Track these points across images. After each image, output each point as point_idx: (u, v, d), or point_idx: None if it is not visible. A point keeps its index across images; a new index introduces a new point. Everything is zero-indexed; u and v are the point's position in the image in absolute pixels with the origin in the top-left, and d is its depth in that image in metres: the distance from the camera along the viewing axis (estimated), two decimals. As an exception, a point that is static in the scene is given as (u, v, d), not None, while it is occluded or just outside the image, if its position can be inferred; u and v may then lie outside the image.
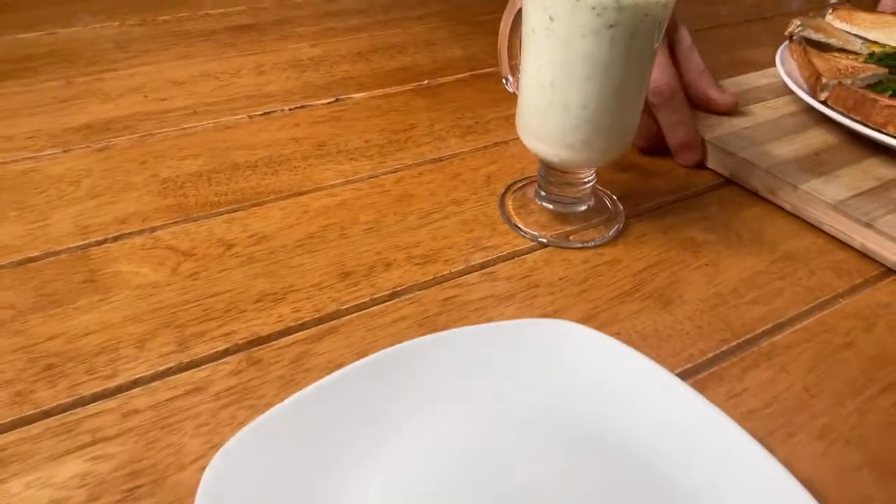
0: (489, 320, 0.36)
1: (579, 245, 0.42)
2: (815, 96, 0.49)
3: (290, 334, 0.35)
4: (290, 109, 0.55)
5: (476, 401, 0.30)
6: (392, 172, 0.48)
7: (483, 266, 0.40)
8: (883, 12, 0.59)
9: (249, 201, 0.44)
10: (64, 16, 0.69)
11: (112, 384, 0.32)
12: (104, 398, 0.31)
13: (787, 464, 0.29)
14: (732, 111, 0.51)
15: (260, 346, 0.34)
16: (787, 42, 0.56)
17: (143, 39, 0.65)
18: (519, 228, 0.43)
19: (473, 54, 0.65)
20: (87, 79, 0.58)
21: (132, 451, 0.29)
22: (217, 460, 0.26)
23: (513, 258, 0.41)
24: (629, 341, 0.35)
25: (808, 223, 0.44)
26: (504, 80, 0.44)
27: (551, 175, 0.43)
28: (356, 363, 0.30)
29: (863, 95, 0.45)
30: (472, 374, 0.31)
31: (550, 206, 0.44)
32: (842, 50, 0.56)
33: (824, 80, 0.48)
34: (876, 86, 0.50)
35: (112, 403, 0.31)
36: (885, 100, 0.44)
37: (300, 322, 0.35)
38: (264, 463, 0.26)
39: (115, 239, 0.40)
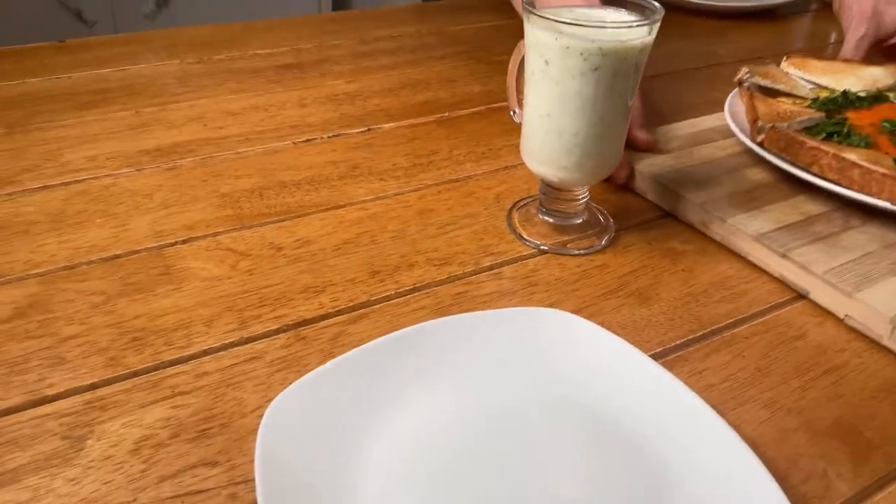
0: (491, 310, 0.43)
1: (574, 252, 0.49)
2: (753, 138, 0.54)
3: (328, 318, 0.42)
4: (328, 137, 0.63)
5: (482, 371, 0.37)
6: (415, 190, 0.55)
7: (491, 268, 0.47)
8: (834, 60, 0.66)
9: (294, 213, 0.52)
10: (131, 55, 0.78)
11: (186, 353, 0.39)
12: (180, 363, 0.39)
13: (736, 426, 0.36)
14: (650, 149, 0.57)
15: (305, 327, 0.41)
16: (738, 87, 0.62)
17: (201, 76, 0.74)
18: (522, 238, 0.50)
19: (490, 90, 0.73)
20: (153, 109, 0.67)
21: (204, 403, 0.36)
22: (273, 406, 0.33)
23: (516, 262, 0.48)
24: (610, 329, 0.42)
25: (735, 253, 0.49)
26: (512, 112, 0.52)
27: (550, 193, 0.50)
28: (384, 337, 0.37)
29: (793, 138, 0.51)
30: (479, 349, 0.38)
31: (550, 220, 0.51)
32: (790, 95, 0.62)
33: (760, 124, 0.54)
34: (813, 128, 0.55)
35: (187, 367, 0.38)
36: (811, 142, 0.50)
37: (337, 309, 0.43)
38: (309, 409, 0.34)
39: (185, 241, 0.48)
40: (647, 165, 0.55)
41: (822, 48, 0.97)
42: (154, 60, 0.77)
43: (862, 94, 0.60)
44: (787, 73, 0.64)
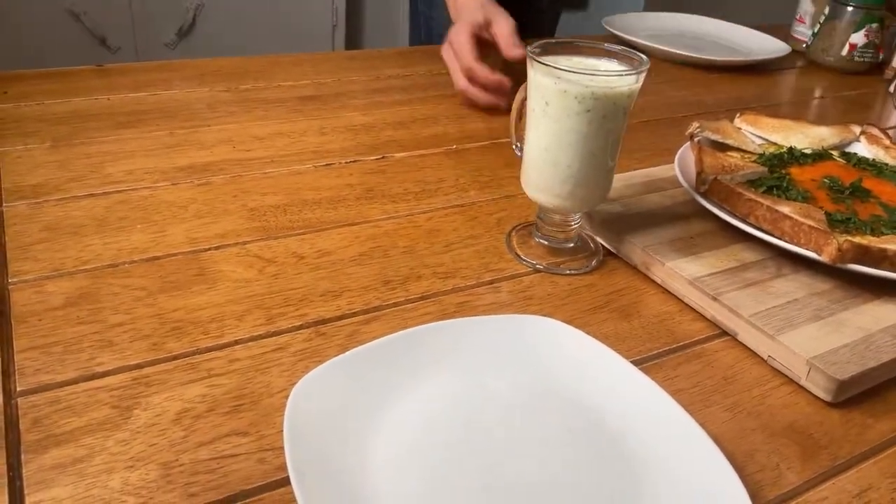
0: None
1: (566, 272, 0.55)
2: (697, 188, 0.58)
3: (345, 318, 0.47)
4: (346, 163, 0.69)
5: (478, 366, 0.42)
6: (424, 213, 0.61)
7: (491, 283, 0.53)
8: (784, 118, 0.71)
9: (315, 227, 0.57)
10: (164, 80, 0.85)
11: (220, 342, 0.44)
12: (215, 350, 0.44)
13: (701, 424, 0.41)
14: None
15: (324, 325, 0.47)
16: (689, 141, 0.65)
17: (229, 103, 0.80)
18: (520, 257, 0.56)
19: (494, 127, 0.80)
20: (185, 131, 0.73)
21: (236, 383, 0.41)
22: (298, 386, 0.38)
23: (514, 278, 0.54)
24: (594, 338, 0.47)
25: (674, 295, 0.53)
26: (514, 146, 0.58)
27: (546, 218, 0.56)
28: (394, 334, 0.43)
29: (732, 189, 0.55)
30: (477, 348, 0.43)
31: (545, 242, 0.57)
32: (738, 149, 0.66)
33: (704, 175, 0.58)
34: (755, 182, 0.60)
35: (221, 353, 0.44)
36: (748, 194, 0.54)
37: (353, 311, 0.48)
38: (328, 391, 0.39)
39: (217, 248, 0.54)
40: (600, 211, 0.59)
41: (806, 102, 1.05)
42: (185, 87, 0.84)
43: (807, 151, 0.66)
44: (739, 128, 0.70)
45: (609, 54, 0.52)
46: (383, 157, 0.71)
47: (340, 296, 0.50)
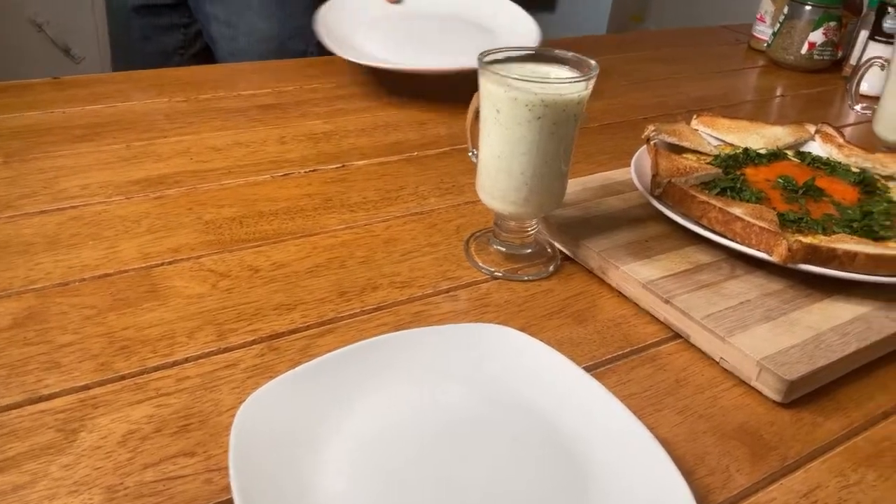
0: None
1: (523, 278, 0.55)
2: (652, 192, 0.58)
3: (299, 332, 0.47)
4: (305, 172, 0.68)
5: (431, 375, 0.42)
6: (383, 221, 0.61)
7: (448, 291, 0.53)
8: (741, 118, 0.71)
9: (271, 239, 0.57)
10: (121, 92, 0.84)
11: (170, 360, 0.44)
12: (164, 368, 0.43)
13: (653, 428, 0.41)
14: None
15: (277, 339, 0.46)
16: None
17: (188, 113, 0.79)
18: (478, 265, 0.56)
19: (455, 133, 0.80)
20: (143, 143, 0.72)
21: (185, 403, 0.41)
22: (246, 404, 0.38)
23: (471, 286, 0.53)
24: (549, 344, 0.47)
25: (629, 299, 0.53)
26: (470, 153, 0.58)
27: (503, 225, 0.56)
28: (346, 347, 0.42)
29: (686, 192, 0.56)
30: (430, 357, 0.43)
31: (503, 249, 0.57)
32: (695, 151, 0.67)
33: (659, 178, 0.58)
34: (709, 183, 0.59)
35: (170, 372, 0.43)
36: (701, 196, 0.55)
37: (307, 325, 0.48)
38: (278, 407, 0.38)
39: (170, 263, 0.53)
40: (557, 215, 0.59)
41: (768, 101, 1.06)
42: (143, 98, 0.83)
43: (762, 152, 0.66)
44: (696, 130, 0.70)
45: (560, 61, 0.52)
46: (343, 166, 0.70)
47: (295, 309, 0.49)
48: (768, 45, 1.15)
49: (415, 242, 0.58)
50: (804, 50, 1.10)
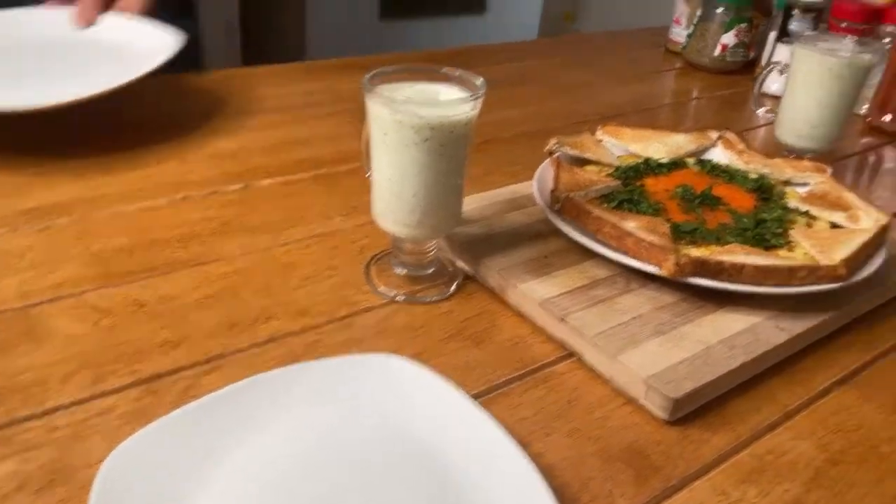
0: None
1: (423, 300, 0.54)
2: (551, 207, 0.58)
3: (182, 371, 0.45)
4: (205, 194, 0.66)
5: (314, 412, 0.41)
6: (283, 245, 0.59)
7: (344, 318, 0.52)
8: (644, 127, 0.72)
9: (162, 269, 0.55)
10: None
11: (40, 409, 0.42)
12: (34, 419, 0.41)
13: (541, 454, 0.41)
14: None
15: (157, 381, 0.44)
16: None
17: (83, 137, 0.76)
18: (377, 289, 0.55)
19: (367, 146, 0.78)
20: (35, 169, 0.68)
21: (52, 456, 0.39)
22: (113, 456, 0.36)
23: (369, 311, 0.53)
24: (444, 371, 0.47)
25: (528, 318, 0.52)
26: (367, 174, 0.57)
27: (402, 247, 0.55)
28: (224, 389, 0.41)
29: (582, 207, 0.56)
30: (313, 393, 0.42)
31: (404, 271, 0.56)
32: (597, 163, 0.67)
33: (557, 193, 0.58)
34: (608, 196, 0.60)
35: (39, 423, 0.41)
36: (596, 211, 0.55)
37: (192, 362, 0.46)
38: (150, 457, 0.37)
39: (51, 301, 0.51)
40: (459, 233, 0.58)
41: (683, 104, 1.08)
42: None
43: (664, 161, 0.67)
44: (600, 141, 0.70)
45: (449, 79, 0.52)
46: (246, 187, 0.68)
47: (179, 346, 0.47)
48: (684, 48, 1.17)
49: (315, 267, 0.57)
50: (717, 52, 1.12)
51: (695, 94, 1.10)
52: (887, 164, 0.91)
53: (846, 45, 0.74)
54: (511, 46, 1.28)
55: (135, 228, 0.60)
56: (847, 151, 0.92)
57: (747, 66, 1.15)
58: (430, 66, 0.53)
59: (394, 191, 0.51)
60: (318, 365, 0.43)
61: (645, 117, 0.96)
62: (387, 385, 0.43)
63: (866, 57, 0.71)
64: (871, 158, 0.93)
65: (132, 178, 0.68)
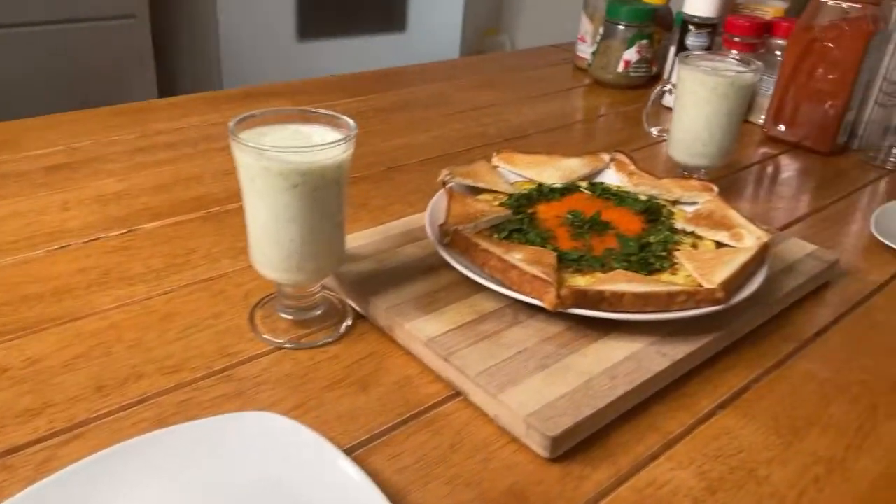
0: (214, 415, 0.45)
1: (309, 345, 0.53)
2: (440, 241, 0.57)
3: (41, 442, 0.43)
4: (84, 242, 0.63)
5: (174, 482, 0.39)
6: (164, 294, 0.57)
7: (223, 370, 0.50)
8: (538, 153, 0.73)
9: (31, 329, 0.52)
10: None
11: None
12: None
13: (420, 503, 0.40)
14: None
15: (13, 454, 0.42)
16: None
17: (-40, 182, 0.72)
18: (262, 335, 0.53)
19: (263, 181, 0.77)
20: None
21: None
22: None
23: (251, 361, 0.51)
24: (326, 422, 0.46)
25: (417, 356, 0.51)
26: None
27: (284, 291, 0.54)
28: (74, 464, 0.38)
29: (469, 240, 0.55)
30: (174, 461, 0.40)
31: (290, 316, 0.54)
32: (491, 191, 0.66)
33: (446, 227, 0.57)
34: (499, 226, 0.59)
35: None
36: (483, 244, 0.55)
37: (52, 431, 0.43)
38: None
39: None
40: (349, 271, 0.57)
41: (590, 122, 1.09)
42: (-88, 166, 0.75)
43: (557, 186, 0.68)
44: (496, 167, 0.71)
45: (321, 119, 0.51)
46: (130, 231, 0.66)
47: (41, 414, 0.45)
48: (589, 65, 1.19)
49: (196, 316, 0.55)
50: (621, 68, 1.14)
51: (601, 111, 1.12)
52: (784, 174, 0.94)
53: (730, 64, 0.76)
54: (425, 67, 1.28)
55: (6, 285, 0.57)
56: (745, 162, 0.95)
57: (652, 81, 1.18)
58: (302, 108, 0.51)
59: (269, 237, 0.49)
60: (180, 429, 0.41)
61: (549, 137, 0.97)
62: (256, 446, 0.41)
63: (748, 76, 0.73)
64: (770, 168, 0.96)
65: (7, 230, 0.64)
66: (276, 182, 0.46)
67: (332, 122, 0.51)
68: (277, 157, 0.46)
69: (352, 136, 0.48)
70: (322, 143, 0.47)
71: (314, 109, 0.51)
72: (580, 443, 0.45)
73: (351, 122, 0.49)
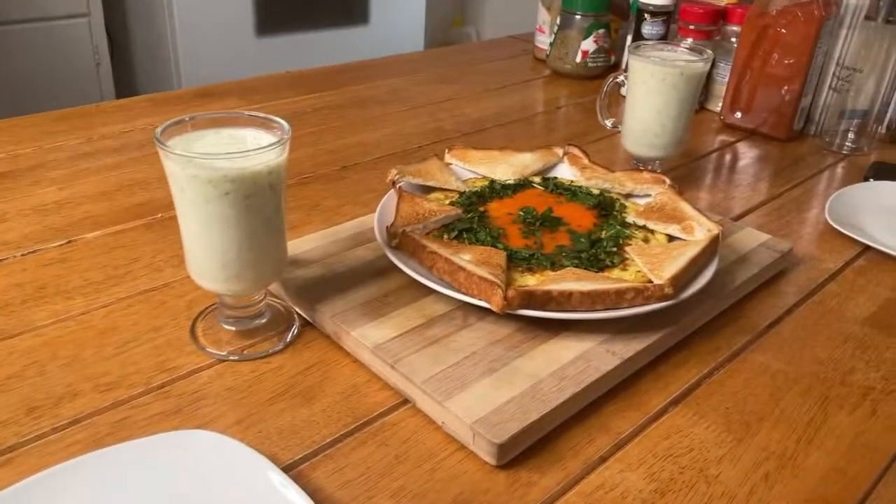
0: (150, 434, 0.43)
1: (252, 357, 0.51)
2: (389, 243, 0.56)
3: (-35, 470, 0.41)
4: (21, 255, 0.61)
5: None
6: (103, 307, 0.55)
7: (161, 386, 0.48)
8: (491, 149, 0.72)
9: (-41, 350, 0.50)
10: None
11: None
12: None
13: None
14: None
15: (-66, 485, 0.40)
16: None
17: None
18: (203, 348, 0.51)
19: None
20: None
21: None
22: None
23: (191, 375, 0.49)
24: (267, 437, 0.44)
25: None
26: (186, 225, 0.53)
27: (225, 301, 0.52)
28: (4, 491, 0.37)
29: (417, 242, 0.54)
30: (103, 486, 0.38)
31: (232, 327, 0.53)
32: (443, 189, 0.65)
33: (393, 229, 0.56)
34: (449, 226, 0.58)
35: None
36: (431, 246, 0.53)
37: (-22, 458, 0.42)
38: None
39: None
40: (295, 277, 0.56)
41: (549, 113, 1.08)
42: None
43: (509, 182, 0.67)
44: (448, 165, 0.69)
45: (255, 123, 0.49)
46: (69, 242, 0.63)
47: (-34, 440, 0.43)
48: (547, 56, 1.18)
49: (135, 329, 0.53)
50: (579, 58, 1.13)
51: (560, 102, 1.11)
52: (742, 161, 0.94)
53: (680, 53, 0.76)
54: (383, 62, 1.26)
55: (-67, 303, 0.54)
56: (703, 151, 0.95)
57: (611, 70, 1.17)
58: (234, 112, 0.50)
59: (204, 247, 0.48)
60: (111, 451, 0.40)
61: (508, 131, 0.96)
62: (190, 467, 0.39)
63: (698, 65, 0.72)
64: (727, 156, 0.96)
65: (-64, 244, 0.62)
66: (206, 190, 0.45)
67: (266, 125, 0.49)
68: (205, 164, 0.44)
69: (284, 141, 0.47)
70: (248, 148, 0.45)
71: (247, 112, 0.49)
72: (530, 447, 0.45)
73: (285, 124, 0.48)
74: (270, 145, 0.46)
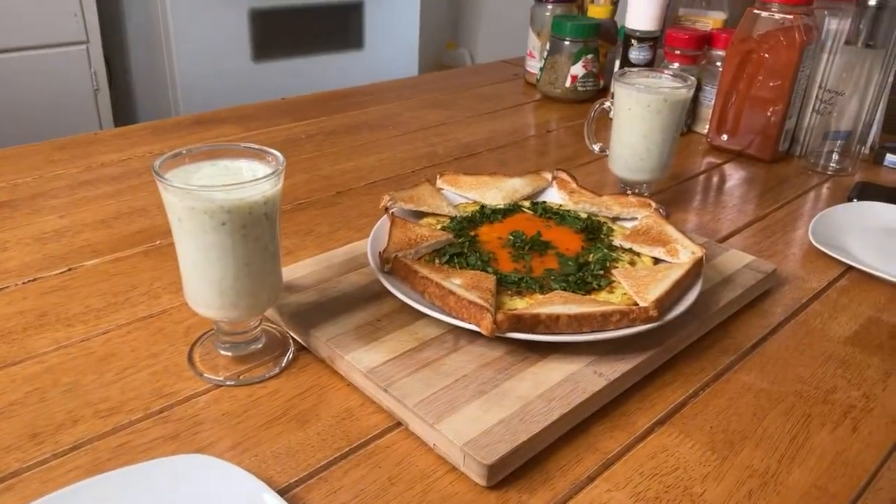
0: (149, 459, 0.45)
1: (248, 382, 0.52)
2: (381, 268, 0.57)
3: (-32, 497, 0.42)
4: (22, 283, 0.62)
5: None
6: (103, 334, 0.56)
7: (160, 412, 0.49)
8: (482, 174, 0.74)
9: (-38, 378, 0.51)
10: None
11: None
12: None
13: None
14: None
15: (-62, 512, 0.41)
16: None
17: None
18: (201, 374, 0.53)
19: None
20: None
21: None
22: None
23: (189, 400, 0.50)
24: (263, 461, 0.45)
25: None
26: (184, 253, 0.55)
27: (221, 327, 0.53)
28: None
29: (409, 267, 0.56)
30: (107, 510, 0.39)
31: (229, 353, 0.54)
32: (434, 214, 0.66)
33: (385, 254, 0.57)
34: (440, 251, 0.60)
35: None
36: (423, 271, 0.55)
37: (-20, 485, 0.43)
38: None
39: None
40: (290, 302, 0.57)
41: (541, 135, 1.10)
42: None
43: (500, 207, 0.68)
44: (440, 190, 0.71)
45: (250, 154, 0.51)
46: (69, 270, 0.65)
47: (-31, 467, 0.44)
48: (538, 80, 1.20)
49: (134, 356, 0.54)
50: (568, 83, 1.16)
51: (551, 126, 1.13)
52: (729, 183, 0.96)
53: (664, 80, 0.78)
54: (376, 87, 1.29)
55: (-64, 332, 0.56)
56: (690, 173, 0.97)
57: (601, 94, 1.20)
58: (230, 144, 0.51)
59: (201, 276, 0.49)
60: (110, 477, 0.41)
61: (499, 155, 0.98)
62: (188, 490, 0.41)
63: (682, 91, 0.74)
64: (714, 178, 0.98)
65: (-61, 273, 0.63)
66: (203, 221, 0.46)
67: (261, 156, 0.51)
68: (202, 195, 0.46)
69: (279, 171, 0.48)
70: (244, 180, 0.47)
71: (242, 144, 0.51)
72: (519, 467, 0.46)
73: (280, 155, 0.50)
74: (266, 176, 0.47)
